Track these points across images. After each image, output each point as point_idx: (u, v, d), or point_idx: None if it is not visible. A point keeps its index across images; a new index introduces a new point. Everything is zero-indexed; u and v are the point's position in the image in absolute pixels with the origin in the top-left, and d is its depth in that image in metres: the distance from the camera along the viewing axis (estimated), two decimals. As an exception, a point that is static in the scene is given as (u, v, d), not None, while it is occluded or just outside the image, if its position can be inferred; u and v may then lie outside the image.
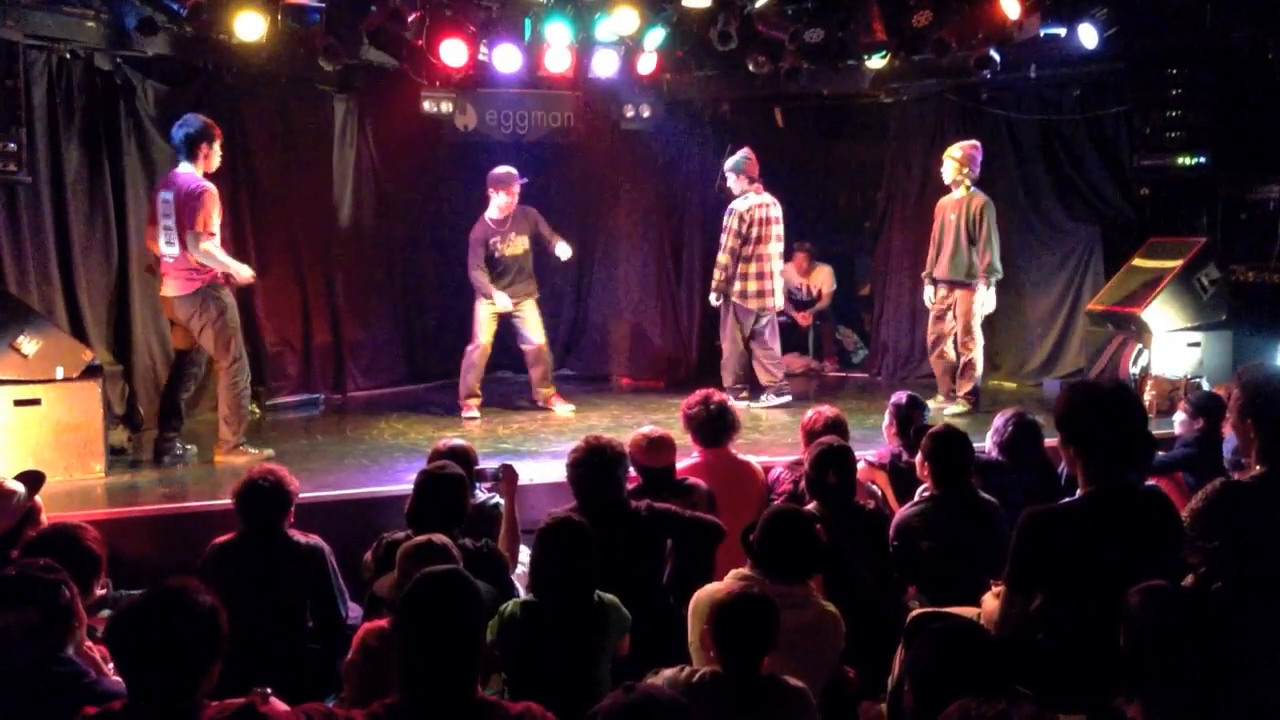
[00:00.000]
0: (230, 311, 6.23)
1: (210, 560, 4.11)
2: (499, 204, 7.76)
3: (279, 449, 6.63)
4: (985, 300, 7.68)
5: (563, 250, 7.96)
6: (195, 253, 6.03)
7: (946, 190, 7.83)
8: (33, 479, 4.31)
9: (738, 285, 8.02)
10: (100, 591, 3.70)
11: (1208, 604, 2.86)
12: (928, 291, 7.98)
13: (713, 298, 8.17)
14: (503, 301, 7.80)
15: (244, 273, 6.34)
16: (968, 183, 7.67)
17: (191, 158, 6.17)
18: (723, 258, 8.00)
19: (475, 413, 7.85)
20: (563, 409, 8.02)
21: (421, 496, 4.07)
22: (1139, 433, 3.19)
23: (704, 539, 4.28)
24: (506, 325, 7.97)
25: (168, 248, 6.12)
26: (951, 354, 7.84)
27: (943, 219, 7.80)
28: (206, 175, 6.21)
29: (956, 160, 7.64)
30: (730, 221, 7.97)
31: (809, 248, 10.18)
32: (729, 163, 8.12)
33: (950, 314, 7.80)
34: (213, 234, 6.10)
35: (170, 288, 6.18)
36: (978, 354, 7.74)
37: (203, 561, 4.11)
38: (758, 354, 8.18)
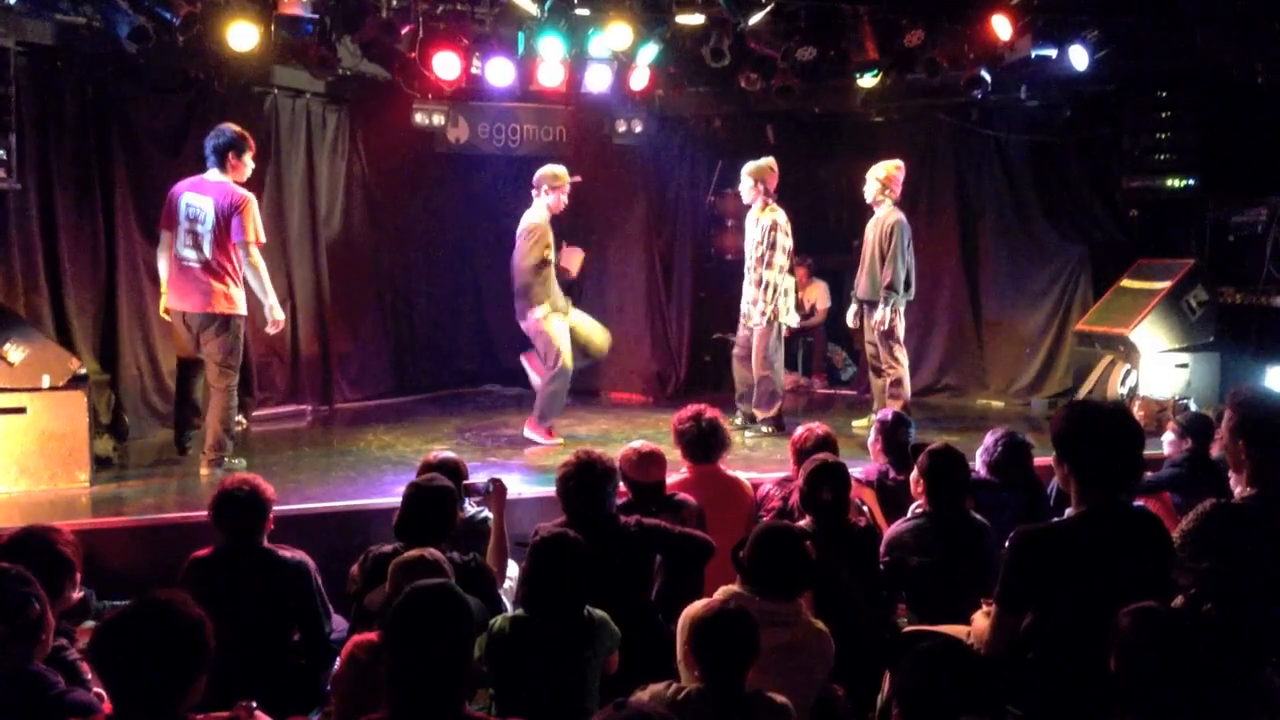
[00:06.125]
0: (241, 344, 6.33)
1: (187, 577, 3.96)
2: (550, 204, 7.21)
3: (265, 460, 6.60)
4: (885, 317, 7.45)
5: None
6: (246, 264, 6.15)
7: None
8: None
9: (785, 301, 7.57)
10: (75, 594, 3.65)
11: (1198, 625, 2.86)
12: (851, 310, 7.98)
13: (764, 321, 7.54)
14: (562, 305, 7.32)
15: (277, 311, 6.34)
16: (888, 202, 7.64)
17: (220, 166, 6.23)
18: (777, 276, 7.55)
19: (559, 439, 7.24)
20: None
21: (410, 509, 4.04)
22: (1135, 454, 3.19)
23: (694, 555, 4.27)
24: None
25: (189, 251, 6.10)
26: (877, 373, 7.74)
27: (863, 238, 7.77)
28: (238, 185, 6.27)
29: (880, 180, 7.65)
30: (781, 237, 7.54)
31: (809, 264, 10.18)
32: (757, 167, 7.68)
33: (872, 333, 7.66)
34: (262, 243, 6.25)
35: (188, 303, 6.16)
36: (902, 371, 7.58)
37: (180, 578, 3.94)
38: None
